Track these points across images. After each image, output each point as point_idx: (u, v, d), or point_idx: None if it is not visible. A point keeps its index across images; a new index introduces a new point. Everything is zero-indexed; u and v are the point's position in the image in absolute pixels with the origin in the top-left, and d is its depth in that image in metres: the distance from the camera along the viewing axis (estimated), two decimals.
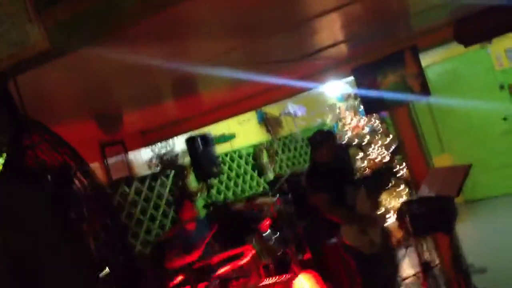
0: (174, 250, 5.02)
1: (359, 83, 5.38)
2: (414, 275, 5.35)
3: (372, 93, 5.29)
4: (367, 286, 4.58)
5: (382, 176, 4.65)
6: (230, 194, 7.86)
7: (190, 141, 6.34)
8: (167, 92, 5.25)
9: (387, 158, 6.71)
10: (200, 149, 6.29)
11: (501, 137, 8.71)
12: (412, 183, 5.46)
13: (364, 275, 4.57)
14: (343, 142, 7.31)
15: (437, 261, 5.09)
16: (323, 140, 4.76)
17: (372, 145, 7.60)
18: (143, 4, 2.18)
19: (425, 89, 5.02)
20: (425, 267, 4.79)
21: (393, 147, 7.25)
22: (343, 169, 4.69)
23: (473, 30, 5.11)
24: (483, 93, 8.65)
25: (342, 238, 4.52)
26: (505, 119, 8.70)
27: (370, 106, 5.42)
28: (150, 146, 6.70)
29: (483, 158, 8.69)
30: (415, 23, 4.84)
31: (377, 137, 7.68)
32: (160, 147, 6.79)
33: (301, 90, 6.40)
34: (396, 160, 6.62)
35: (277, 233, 5.22)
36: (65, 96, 3.79)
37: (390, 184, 4.60)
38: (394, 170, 5.16)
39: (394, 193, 6.92)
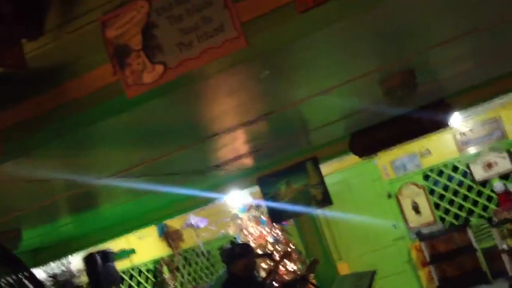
0: None
1: (264, 193, 5.51)
2: None
3: (277, 203, 5.43)
4: None
5: (298, 283, 4.65)
6: None
7: (88, 258, 5.98)
8: (65, 207, 5.01)
9: (291, 268, 6.74)
10: (100, 266, 5.94)
11: (393, 243, 9.16)
12: None
13: None
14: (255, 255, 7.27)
15: None
16: (243, 254, 4.76)
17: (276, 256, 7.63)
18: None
19: (326, 198, 5.25)
20: None
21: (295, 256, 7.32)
22: (258, 282, 4.66)
23: (364, 143, 5.54)
24: (374, 201, 9.18)
25: None
26: (394, 226, 9.20)
27: (276, 215, 5.52)
28: (43, 266, 6.20)
29: (378, 264, 8.96)
30: (315, 136, 5.16)
31: (279, 247, 7.74)
32: (54, 267, 6.30)
33: (205, 202, 6.41)
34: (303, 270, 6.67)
35: None
36: None
37: None
38: (307, 278, 5.18)
39: None
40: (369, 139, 5.42)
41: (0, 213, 3.96)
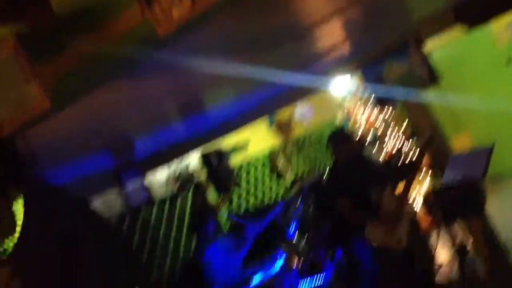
0: None
1: (366, 79, 5.33)
2: (448, 261, 5.25)
3: (381, 87, 5.24)
4: (400, 283, 4.50)
5: (404, 169, 4.56)
6: (250, 204, 7.80)
7: (204, 157, 6.31)
8: (176, 113, 5.23)
9: (406, 146, 6.59)
10: (215, 164, 6.26)
11: None
12: (432, 169, 5.38)
13: (394, 272, 4.49)
14: (362, 141, 7.23)
15: (470, 243, 4.99)
16: (343, 141, 4.71)
17: (387, 136, 7.52)
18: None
19: (432, 77, 4.95)
20: (459, 251, 4.73)
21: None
22: (365, 169, 4.61)
23: (476, 10, 5.04)
24: (490, 70, 8.54)
25: (368, 238, 4.44)
26: None
27: (381, 100, 5.36)
28: (165, 167, 6.65)
29: (501, 133, 8.56)
30: (416, 12, 4.78)
31: (391, 127, 7.58)
32: (175, 166, 6.74)
33: (310, 92, 6.36)
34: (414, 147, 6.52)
35: (304, 238, 5.15)
36: (76, 134, 3.78)
37: (414, 175, 4.52)
38: (413, 159, 5.06)
39: (417, 180, 6.85)
40: (478, 5, 4.93)
41: (114, 126, 4.23)
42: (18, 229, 1.95)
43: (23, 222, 1.94)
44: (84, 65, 2.05)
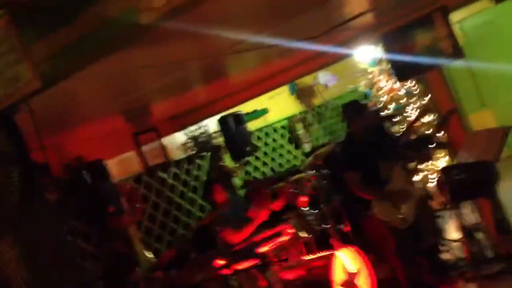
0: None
1: (389, 49, 5.22)
2: (457, 240, 5.26)
3: (403, 59, 5.13)
4: (403, 258, 4.53)
5: (421, 147, 4.50)
6: (267, 170, 7.87)
7: (222, 121, 6.36)
8: (196, 78, 5.26)
9: (426, 120, 6.48)
10: (233, 128, 6.31)
11: None
12: (449, 146, 5.32)
13: (399, 247, 4.52)
14: (380, 113, 7.14)
15: (480, 225, 4.97)
16: (357, 113, 4.63)
17: (410, 107, 7.42)
18: None
19: (457, 51, 4.82)
20: (467, 232, 4.72)
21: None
22: (379, 143, 4.57)
23: None
24: None
25: (374, 212, 4.46)
26: None
27: (402, 73, 5.26)
28: (183, 130, 6.75)
29: None
30: None
31: (414, 99, 7.47)
32: (194, 130, 6.82)
33: (333, 60, 6.28)
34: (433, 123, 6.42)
35: (315, 209, 5.20)
36: (92, 98, 3.85)
37: (429, 155, 4.48)
38: (432, 137, 5.01)
39: (434, 157, 6.79)
40: None
41: (132, 91, 4.29)
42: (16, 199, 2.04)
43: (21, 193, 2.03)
44: (78, 41, 2.09)
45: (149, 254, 5.69)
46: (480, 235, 4.89)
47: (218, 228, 5.00)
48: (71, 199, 3.97)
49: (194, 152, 6.78)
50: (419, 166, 4.69)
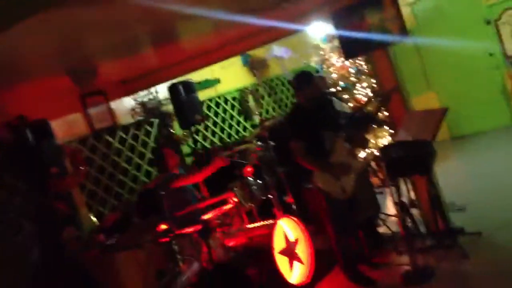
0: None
1: (338, 26, 5.31)
2: (392, 215, 5.49)
3: (351, 37, 5.23)
4: (338, 230, 4.70)
5: (362, 121, 4.61)
6: (216, 139, 7.92)
7: (172, 89, 6.31)
8: (146, 41, 5.20)
9: (370, 99, 6.66)
10: (183, 96, 6.28)
11: (487, 72, 8.68)
12: (392, 125, 5.51)
13: (335, 218, 4.68)
14: (327, 87, 7.27)
15: (416, 201, 5.20)
16: (305, 82, 4.69)
17: (357, 86, 7.60)
18: None
19: (403, 32, 4.96)
20: (401, 208, 4.92)
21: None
22: (324, 114, 4.66)
23: None
24: (470, 28, 8.58)
25: (315, 181, 4.59)
26: (491, 54, 8.65)
27: (350, 50, 5.37)
28: (132, 95, 6.68)
29: (469, 94, 8.74)
30: None
31: (363, 78, 7.65)
32: (143, 96, 6.77)
33: (285, 33, 6.31)
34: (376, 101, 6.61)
35: (259, 179, 5.29)
36: (36, 54, 3.77)
37: (370, 129, 4.60)
38: (374, 115, 5.15)
39: (378, 134, 7.01)
40: None
41: (79, 49, 4.21)
42: None
43: None
44: None
45: (93, 217, 5.68)
46: (414, 211, 5.11)
47: (161, 194, 5.04)
48: (12, 157, 3.91)
49: (142, 118, 6.73)
50: (358, 142, 4.80)
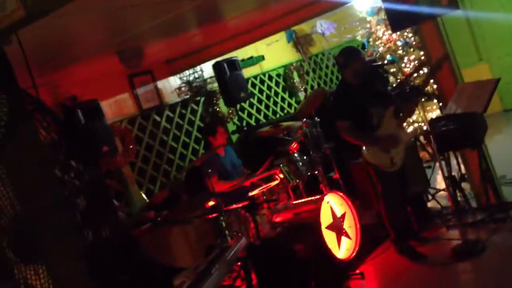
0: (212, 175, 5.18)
1: None
2: (442, 190, 5.38)
3: (399, 8, 5.09)
4: (389, 203, 4.63)
5: (411, 93, 4.48)
6: (261, 117, 7.93)
7: (217, 67, 6.36)
8: (191, 21, 5.22)
9: (419, 71, 6.49)
10: (227, 74, 6.32)
11: None
12: (441, 98, 5.36)
13: (386, 192, 4.61)
14: (374, 61, 7.12)
15: (466, 175, 5.08)
16: (350, 59, 4.60)
17: (405, 59, 7.43)
18: None
19: (453, 4, 4.79)
20: (451, 182, 4.82)
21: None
22: (372, 90, 4.58)
23: None
24: None
25: (364, 156, 4.53)
26: None
27: (397, 22, 5.22)
28: (178, 74, 6.76)
29: None
30: None
31: (410, 51, 7.46)
32: (188, 75, 6.84)
33: (330, 7, 6.21)
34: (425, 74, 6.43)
35: (305, 156, 5.28)
36: (85, 36, 3.85)
37: (419, 102, 4.47)
38: (423, 88, 5.00)
39: (426, 107, 6.87)
40: None
41: (127, 29, 4.28)
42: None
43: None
44: None
45: (143, 194, 5.83)
46: (465, 185, 5.00)
47: (207, 171, 5.11)
48: (65, 137, 4.03)
49: (188, 96, 6.81)
50: (406, 115, 4.69)
